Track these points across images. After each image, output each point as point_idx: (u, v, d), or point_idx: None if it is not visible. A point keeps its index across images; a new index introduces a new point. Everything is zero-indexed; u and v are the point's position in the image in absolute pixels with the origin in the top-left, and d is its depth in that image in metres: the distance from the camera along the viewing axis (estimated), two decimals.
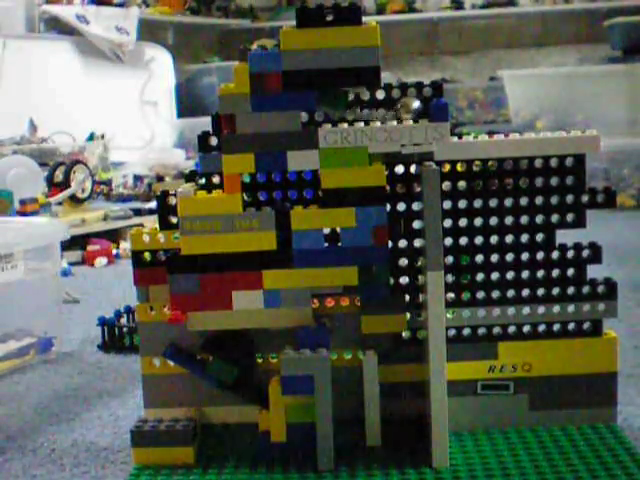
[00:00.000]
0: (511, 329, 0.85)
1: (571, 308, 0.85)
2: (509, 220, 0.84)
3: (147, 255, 0.85)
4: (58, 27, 3.72)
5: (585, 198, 0.84)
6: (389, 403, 0.84)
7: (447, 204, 0.84)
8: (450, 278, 0.84)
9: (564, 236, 0.85)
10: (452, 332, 0.85)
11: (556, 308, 0.85)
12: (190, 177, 0.86)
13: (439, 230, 0.77)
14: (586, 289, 0.85)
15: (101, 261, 1.95)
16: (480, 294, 0.85)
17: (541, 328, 0.85)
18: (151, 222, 1.05)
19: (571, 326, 0.85)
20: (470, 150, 0.82)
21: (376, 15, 4.47)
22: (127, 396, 1.03)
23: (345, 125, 0.81)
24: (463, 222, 0.84)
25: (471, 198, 0.84)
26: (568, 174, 0.84)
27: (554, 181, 0.84)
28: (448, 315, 0.84)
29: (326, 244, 0.81)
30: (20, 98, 3.33)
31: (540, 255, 0.84)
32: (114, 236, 2.11)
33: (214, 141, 0.83)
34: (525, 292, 0.85)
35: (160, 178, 3.06)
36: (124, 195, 2.98)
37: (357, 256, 0.80)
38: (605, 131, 0.99)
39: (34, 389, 1.09)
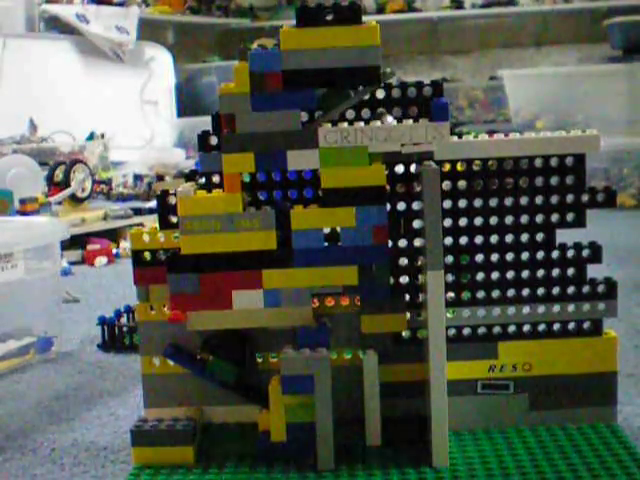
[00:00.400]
0: (511, 329, 0.85)
1: (571, 308, 0.85)
2: (509, 219, 0.84)
3: (147, 254, 0.85)
4: (58, 26, 3.72)
5: (585, 198, 0.84)
6: (389, 403, 0.84)
7: (447, 204, 0.84)
8: (450, 278, 0.84)
9: (564, 236, 0.85)
10: (452, 332, 0.85)
11: (556, 308, 0.85)
12: (190, 176, 0.86)
13: (439, 230, 0.77)
14: (586, 289, 0.85)
15: (101, 260, 1.95)
16: (480, 294, 0.85)
17: (541, 328, 0.85)
18: (151, 221, 1.05)
19: (571, 326, 0.85)
20: (470, 150, 0.82)
21: (376, 14, 4.47)
22: (127, 396, 1.03)
23: (345, 125, 0.81)
24: (463, 221, 0.84)
25: (471, 198, 0.84)
26: (568, 174, 0.84)
27: (554, 181, 0.84)
28: (448, 315, 0.84)
29: (326, 244, 0.81)
30: (20, 97, 3.33)
31: (540, 255, 0.84)
32: (114, 235, 2.11)
33: (214, 140, 0.83)
34: (525, 292, 0.85)
35: (160, 177, 3.06)
36: (124, 194, 2.98)
37: (357, 256, 0.80)
38: (605, 131, 0.99)
39: (34, 389, 1.09)
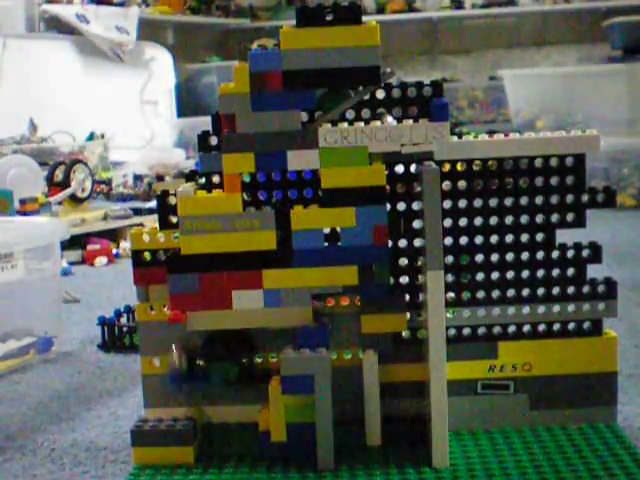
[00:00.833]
0: (511, 329, 0.85)
1: (571, 308, 0.85)
2: (509, 220, 0.84)
3: (147, 255, 0.85)
4: (58, 26, 3.72)
5: (585, 198, 0.84)
6: (389, 403, 0.84)
7: (447, 204, 0.84)
8: (450, 278, 0.84)
9: (564, 236, 0.85)
10: (452, 332, 0.85)
11: (556, 308, 0.85)
12: (190, 177, 0.86)
13: (439, 230, 0.77)
14: (586, 289, 0.85)
15: (101, 260, 1.95)
16: (480, 294, 0.85)
17: (541, 328, 0.85)
18: (151, 222, 1.05)
19: (571, 326, 0.85)
20: (470, 150, 0.82)
21: (376, 15, 4.47)
22: (127, 396, 1.03)
23: (345, 125, 0.81)
24: (463, 222, 0.84)
25: (471, 198, 0.84)
26: (568, 174, 0.84)
27: (554, 181, 0.84)
28: (448, 315, 0.84)
29: (326, 244, 0.81)
30: (20, 98, 3.33)
31: (540, 255, 0.84)
32: (114, 235, 2.11)
33: (214, 141, 0.83)
34: (525, 292, 0.85)
35: (160, 178, 3.06)
36: (124, 195, 2.98)
37: (357, 256, 0.80)
38: (605, 131, 0.99)
39: (34, 389, 1.09)
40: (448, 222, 0.84)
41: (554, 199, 0.84)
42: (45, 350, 1.22)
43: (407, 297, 0.84)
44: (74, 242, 1.95)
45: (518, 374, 0.85)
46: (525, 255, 0.84)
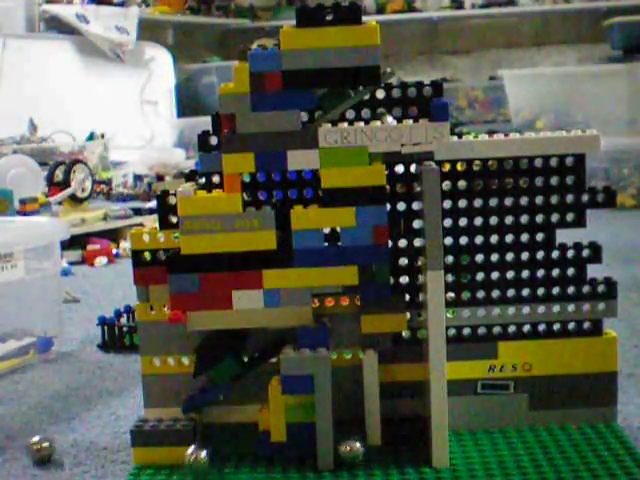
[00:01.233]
0: (511, 329, 0.85)
1: (571, 308, 0.85)
2: (509, 219, 0.84)
3: (147, 255, 0.85)
4: (58, 27, 3.72)
5: (585, 198, 0.84)
6: (389, 403, 0.84)
7: (447, 204, 0.84)
8: (450, 278, 0.84)
9: (564, 236, 0.85)
10: (452, 332, 0.85)
11: (556, 308, 0.85)
12: (190, 176, 0.86)
13: (439, 230, 0.77)
14: (586, 289, 0.85)
15: (101, 261, 1.95)
16: (480, 293, 0.85)
17: (541, 328, 0.85)
18: (151, 222, 1.05)
19: (571, 326, 0.85)
20: (470, 150, 0.82)
21: (376, 15, 4.46)
22: (127, 396, 1.03)
23: (345, 125, 0.81)
24: (463, 222, 0.84)
25: (471, 198, 0.84)
26: (568, 174, 0.84)
27: (554, 181, 0.84)
28: (448, 315, 0.84)
29: (326, 244, 0.81)
30: (20, 98, 3.33)
31: (540, 255, 0.84)
32: (114, 236, 2.11)
33: (214, 140, 0.83)
34: (525, 291, 0.85)
35: (160, 178, 3.06)
36: (124, 195, 2.98)
37: (357, 256, 0.80)
38: (605, 131, 0.99)
39: (34, 389, 1.09)
40: (448, 222, 0.84)
41: (554, 199, 0.84)
42: (45, 350, 1.22)
43: (407, 297, 0.84)
44: (74, 242, 1.95)
45: (518, 374, 0.85)
46: (525, 255, 0.84)
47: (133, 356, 1.18)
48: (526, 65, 4.53)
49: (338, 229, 0.81)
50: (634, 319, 1.24)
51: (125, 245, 2.03)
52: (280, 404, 0.78)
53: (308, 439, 0.78)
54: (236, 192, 0.80)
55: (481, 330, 0.85)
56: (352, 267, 0.80)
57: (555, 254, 0.84)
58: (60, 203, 2.23)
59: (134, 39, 3.83)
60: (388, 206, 0.82)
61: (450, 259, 0.84)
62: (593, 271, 0.85)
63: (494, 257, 0.84)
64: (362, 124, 0.81)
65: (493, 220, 0.84)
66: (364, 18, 0.78)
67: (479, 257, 0.84)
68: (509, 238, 0.84)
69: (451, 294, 0.85)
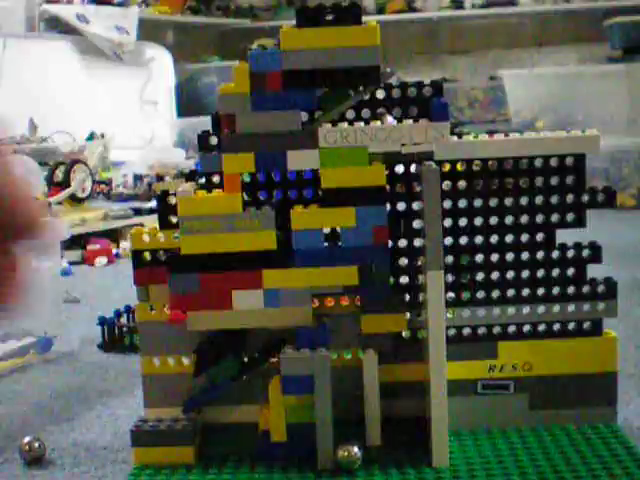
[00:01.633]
0: (511, 329, 0.85)
1: (571, 308, 0.85)
2: (509, 219, 0.84)
3: (147, 255, 0.85)
4: (58, 27, 3.72)
5: (585, 198, 0.84)
6: (389, 403, 0.84)
7: (447, 204, 0.84)
8: (450, 278, 0.84)
9: (564, 236, 0.85)
10: (452, 332, 0.85)
11: (556, 308, 0.85)
12: (190, 177, 0.86)
13: (439, 230, 0.77)
14: (586, 289, 0.85)
15: (101, 260, 1.95)
16: (480, 294, 0.85)
17: (541, 328, 0.85)
18: (151, 222, 1.05)
19: (571, 326, 0.85)
20: (470, 150, 0.82)
21: (376, 14, 4.46)
22: (127, 396, 1.03)
23: (345, 125, 0.81)
24: (463, 222, 0.84)
25: (471, 198, 0.84)
26: (568, 174, 0.84)
27: (554, 181, 0.84)
28: (448, 315, 0.84)
29: (326, 244, 0.81)
30: (20, 98, 3.33)
31: (540, 255, 0.84)
32: (114, 235, 2.11)
33: (214, 140, 0.83)
34: (525, 292, 0.85)
35: (160, 178, 3.05)
36: (124, 195, 2.97)
37: (357, 256, 0.80)
38: (605, 131, 0.99)
39: (34, 388, 1.09)
40: (448, 222, 0.84)
41: (554, 199, 0.84)
42: (45, 350, 1.22)
43: (407, 297, 0.84)
44: (74, 242, 1.95)
45: (518, 374, 0.85)
46: (525, 255, 0.84)
47: (133, 356, 1.18)
48: (526, 65, 4.53)
49: (338, 229, 0.81)
50: (634, 319, 1.24)
51: (125, 245, 2.03)
52: (280, 404, 0.78)
53: (308, 439, 0.78)
54: (236, 192, 0.80)
55: (481, 330, 0.85)
56: (352, 267, 0.80)
57: (555, 254, 0.84)
58: (60, 203, 2.23)
59: (134, 39, 3.83)
60: (388, 206, 0.82)
61: (450, 259, 0.84)
62: (593, 271, 0.85)
63: (494, 257, 0.84)
64: (362, 124, 0.81)
65: (493, 220, 0.84)
66: (364, 18, 0.78)
67: (479, 257, 0.84)
68: (509, 238, 0.84)
69: (451, 294, 0.85)
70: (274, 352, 0.82)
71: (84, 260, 1.97)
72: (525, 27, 4.72)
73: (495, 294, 0.85)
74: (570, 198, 0.84)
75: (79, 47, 3.73)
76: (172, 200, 0.84)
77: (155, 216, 0.87)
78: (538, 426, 0.85)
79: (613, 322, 0.87)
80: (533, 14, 4.62)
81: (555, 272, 0.85)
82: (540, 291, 0.85)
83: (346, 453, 0.77)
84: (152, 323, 0.85)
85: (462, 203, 0.84)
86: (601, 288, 0.85)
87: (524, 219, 0.84)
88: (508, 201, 0.84)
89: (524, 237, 0.84)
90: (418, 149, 0.80)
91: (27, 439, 0.84)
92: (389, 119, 0.82)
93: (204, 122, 1.21)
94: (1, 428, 0.95)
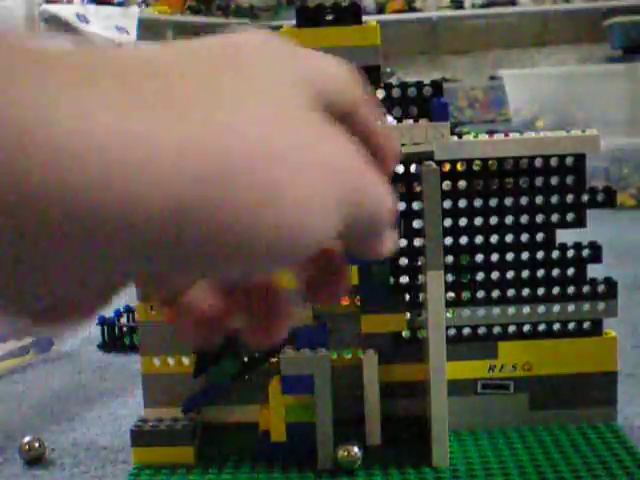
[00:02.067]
0: (511, 328, 0.85)
1: (571, 308, 0.85)
2: (509, 219, 0.84)
3: None
4: (58, 27, 3.72)
5: (585, 198, 0.84)
6: (389, 403, 0.84)
7: (447, 203, 0.84)
8: (450, 277, 0.84)
9: (564, 236, 0.85)
10: (452, 332, 0.85)
11: (556, 308, 0.85)
12: None
13: (439, 229, 0.77)
14: (586, 288, 0.85)
15: None
16: (480, 293, 0.85)
17: (541, 328, 0.85)
18: None
19: (571, 326, 0.85)
20: (470, 150, 0.82)
21: (376, 14, 4.46)
22: (127, 396, 1.03)
23: None
24: (463, 221, 0.84)
25: (471, 198, 0.84)
26: (568, 174, 0.84)
27: (554, 181, 0.84)
28: (448, 315, 0.84)
29: None
30: None
31: (540, 254, 0.84)
32: None
33: None
34: (525, 291, 0.85)
35: None
36: None
37: None
38: (605, 131, 0.99)
39: (34, 388, 1.09)
40: (448, 222, 0.84)
41: (554, 199, 0.84)
42: (45, 350, 1.22)
43: (407, 297, 0.84)
44: None
45: (518, 374, 0.85)
46: (525, 255, 0.84)
47: (133, 356, 1.18)
48: (526, 65, 4.53)
49: None
50: (634, 319, 1.24)
51: None
52: (280, 404, 0.78)
53: (308, 439, 0.78)
54: None
55: (481, 330, 0.85)
56: (352, 267, 0.80)
57: (555, 254, 0.84)
58: None
59: (134, 39, 3.83)
60: None
61: (450, 259, 0.84)
62: (593, 271, 0.85)
63: (494, 257, 0.84)
64: None
65: (493, 220, 0.84)
66: (364, 18, 0.78)
67: (479, 257, 0.84)
68: (509, 238, 0.84)
69: (451, 294, 0.85)
70: (274, 352, 0.82)
71: None
72: (525, 27, 4.73)
73: (495, 294, 0.85)
74: (570, 198, 0.84)
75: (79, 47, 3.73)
76: None
77: None
78: (538, 426, 0.85)
79: (613, 322, 0.88)
80: (533, 14, 4.62)
81: (555, 272, 0.85)
82: (540, 291, 0.85)
83: (346, 453, 0.77)
84: (152, 323, 0.85)
85: (462, 203, 0.84)
86: (601, 288, 0.85)
87: (524, 219, 0.84)
88: (508, 201, 0.84)
89: (524, 237, 0.84)
90: (418, 149, 0.80)
91: (27, 439, 0.84)
92: (389, 119, 0.82)
93: None
94: (1, 428, 0.95)
